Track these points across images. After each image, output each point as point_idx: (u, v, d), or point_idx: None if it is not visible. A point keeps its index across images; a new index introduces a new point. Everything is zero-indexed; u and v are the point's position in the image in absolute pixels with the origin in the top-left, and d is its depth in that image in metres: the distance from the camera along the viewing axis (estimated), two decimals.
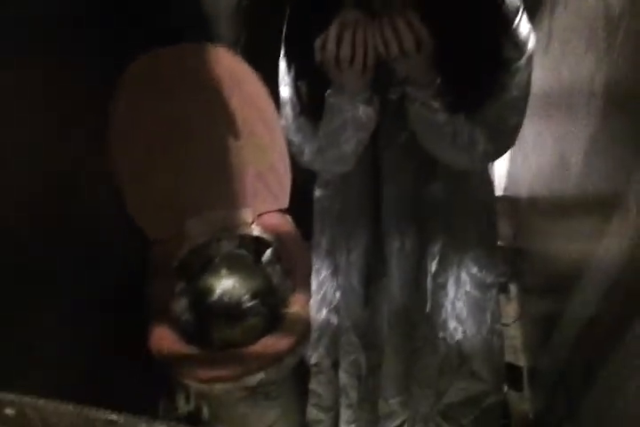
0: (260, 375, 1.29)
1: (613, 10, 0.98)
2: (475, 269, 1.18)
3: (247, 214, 1.60)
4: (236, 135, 1.54)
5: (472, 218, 1.14)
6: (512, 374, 1.67)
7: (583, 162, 1.14)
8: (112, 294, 1.43)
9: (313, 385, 1.42)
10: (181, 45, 1.45)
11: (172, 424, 0.89)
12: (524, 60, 0.91)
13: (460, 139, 0.92)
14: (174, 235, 1.57)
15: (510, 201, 1.96)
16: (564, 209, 1.31)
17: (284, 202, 1.60)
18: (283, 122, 1.07)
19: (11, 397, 0.91)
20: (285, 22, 1.00)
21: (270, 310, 1.52)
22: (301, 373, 1.45)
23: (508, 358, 1.67)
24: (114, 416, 0.87)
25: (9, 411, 0.95)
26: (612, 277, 0.96)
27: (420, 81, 0.86)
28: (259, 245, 1.63)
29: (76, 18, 1.28)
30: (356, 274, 1.23)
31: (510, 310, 1.80)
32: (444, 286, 1.21)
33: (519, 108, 0.94)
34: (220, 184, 1.58)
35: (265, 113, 1.52)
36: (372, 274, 1.23)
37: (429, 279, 1.20)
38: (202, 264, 1.61)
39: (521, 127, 0.96)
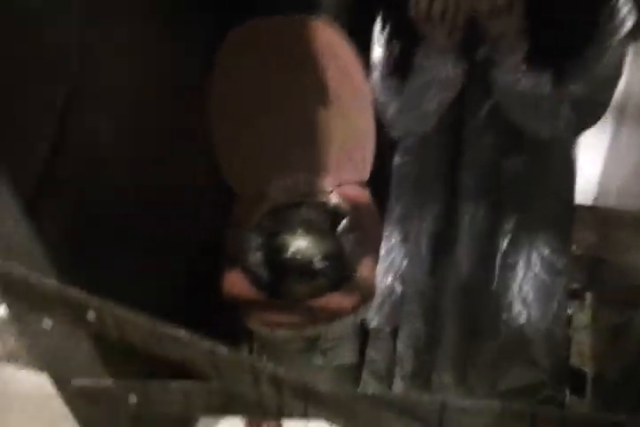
0: (321, 328, 1.34)
1: None
2: (546, 252, 1.18)
3: (328, 183, 1.66)
4: (327, 105, 1.60)
5: (550, 198, 1.15)
6: (576, 380, 1.65)
7: None
8: (197, 241, 1.53)
9: (370, 351, 1.46)
10: (280, 17, 1.53)
11: (232, 351, 0.96)
12: (619, 37, 0.91)
13: (543, 108, 0.93)
14: (257, 193, 1.66)
15: (598, 211, 1.93)
16: None
17: (365, 174, 1.65)
18: (372, 81, 1.12)
19: (95, 301, 1.01)
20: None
21: (339, 273, 1.57)
22: (361, 340, 1.50)
23: (575, 362, 1.66)
24: (181, 333, 0.95)
25: (91, 315, 1.05)
26: None
27: (508, 45, 0.88)
28: (335, 213, 1.68)
29: None
30: (426, 242, 1.26)
31: (583, 316, 1.78)
32: (513, 267, 1.22)
33: (609, 85, 0.94)
34: (307, 151, 1.65)
35: (357, 87, 1.57)
36: (442, 244, 1.25)
37: (499, 257, 1.21)
38: (280, 223, 1.69)
39: (609, 105, 0.96)
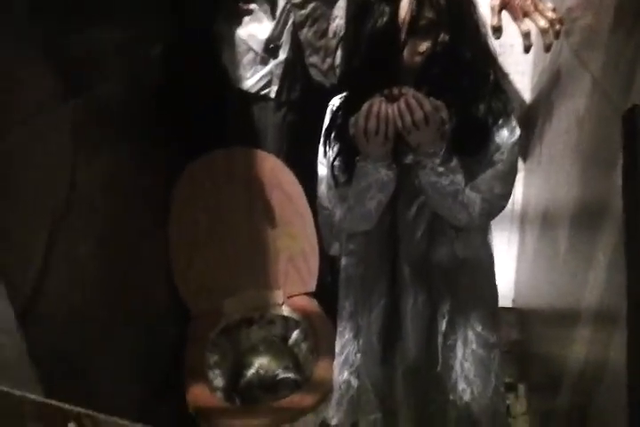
0: None
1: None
2: (479, 328, 1.36)
3: (279, 296, 1.81)
4: (273, 226, 1.81)
5: (475, 279, 1.35)
6: None
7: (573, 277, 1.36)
8: (157, 357, 1.61)
9: None
10: (233, 149, 1.80)
11: None
12: (509, 143, 1.19)
13: (460, 199, 1.17)
14: (213, 311, 1.77)
15: (518, 311, 2.15)
16: (561, 319, 1.51)
17: (312, 285, 1.82)
18: (319, 195, 1.34)
19: (76, 411, 1.07)
20: (328, 118, 1.31)
21: (297, 378, 1.67)
22: None
23: None
24: None
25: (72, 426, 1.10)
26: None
27: (428, 149, 1.13)
28: (287, 324, 1.81)
29: (148, 119, 1.63)
30: (376, 333, 1.40)
31: (519, 405, 1.92)
32: (453, 347, 1.38)
33: (506, 180, 1.20)
34: (257, 269, 1.82)
35: (299, 208, 1.81)
36: (390, 334, 1.40)
37: (440, 339, 1.37)
38: (235, 340, 1.79)
39: (510, 195, 1.22)
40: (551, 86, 1.61)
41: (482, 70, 1.20)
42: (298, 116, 1.83)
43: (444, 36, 1.13)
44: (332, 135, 1.28)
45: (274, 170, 1.80)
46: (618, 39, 0.99)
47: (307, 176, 1.83)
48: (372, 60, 1.16)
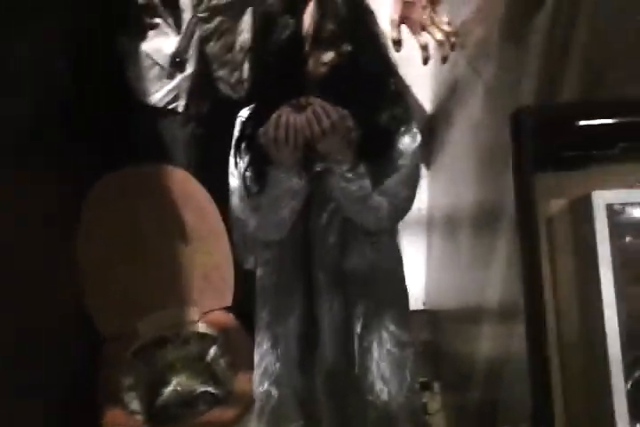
0: None
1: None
2: (392, 327, 1.40)
3: (194, 313, 1.78)
4: (186, 242, 1.79)
5: (387, 282, 1.39)
6: None
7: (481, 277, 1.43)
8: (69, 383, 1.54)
9: None
10: (142, 165, 1.76)
11: None
12: (412, 148, 1.25)
13: (368, 203, 1.21)
14: (127, 332, 1.72)
15: (429, 313, 2.22)
16: (467, 318, 1.58)
17: (228, 300, 1.80)
18: (232, 207, 1.34)
19: None
20: (238, 129, 1.32)
21: (216, 393, 1.65)
22: None
23: None
24: None
25: None
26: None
27: (336, 156, 1.17)
28: (204, 341, 1.79)
29: (51, 136, 1.58)
30: (294, 341, 1.41)
31: (435, 403, 1.99)
32: (369, 349, 1.41)
33: (410, 184, 1.26)
34: (172, 286, 1.78)
35: (212, 222, 1.79)
36: (308, 341, 1.42)
37: (356, 342, 1.40)
38: (150, 361, 1.75)
39: (414, 199, 1.27)
40: (449, 96, 1.70)
41: (383, 80, 1.26)
42: (206, 129, 1.82)
43: (346, 47, 1.18)
44: (243, 146, 1.29)
45: (185, 185, 1.78)
46: (506, 50, 1.06)
47: (217, 190, 1.83)
48: (278, 71, 1.20)
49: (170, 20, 1.69)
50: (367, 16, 1.24)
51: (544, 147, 0.69)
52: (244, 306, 1.81)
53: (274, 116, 1.14)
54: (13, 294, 1.33)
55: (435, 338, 2.09)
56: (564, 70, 0.81)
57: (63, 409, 1.52)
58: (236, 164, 1.31)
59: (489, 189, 1.28)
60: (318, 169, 1.22)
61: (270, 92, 1.23)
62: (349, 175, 1.18)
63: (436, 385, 2.03)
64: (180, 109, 1.77)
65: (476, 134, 1.37)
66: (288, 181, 1.19)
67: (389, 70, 1.27)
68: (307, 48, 1.17)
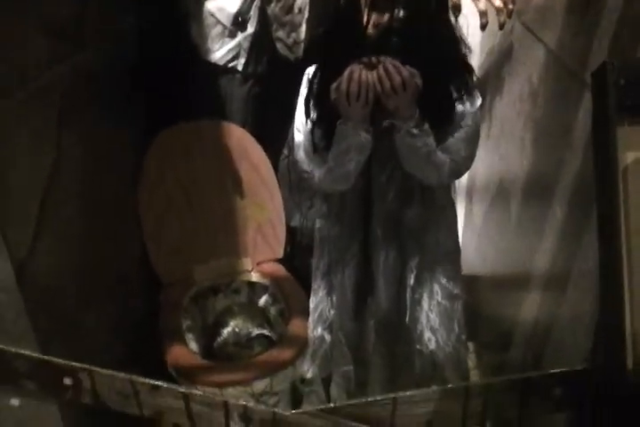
0: (266, 381, 1.49)
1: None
2: (444, 280, 1.48)
3: (247, 263, 1.88)
4: (241, 195, 1.88)
5: (440, 236, 1.47)
6: None
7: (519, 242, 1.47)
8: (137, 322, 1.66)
9: (306, 405, 1.62)
10: (201, 121, 1.84)
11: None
12: (472, 111, 1.31)
13: (432, 159, 1.28)
14: (183, 278, 1.83)
15: (467, 276, 2.31)
16: (510, 283, 1.65)
17: (280, 252, 1.90)
18: (297, 160, 1.41)
19: (72, 365, 1.11)
20: (305, 86, 1.38)
21: (271, 337, 1.77)
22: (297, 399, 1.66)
23: None
24: (158, 383, 1.09)
25: (67, 380, 1.15)
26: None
27: (404, 113, 1.23)
28: (255, 290, 1.89)
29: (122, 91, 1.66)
30: (349, 289, 1.50)
31: (470, 362, 2.09)
32: (420, 300, 1.50)
33: (471, 143, 1.32)
34: (226, 236, 1.88)
35: (266, 177, 1.88)
36: (363, 289, 1.51)
37: (408, 293, 1.48)
38: (204, 307, 1.86)
39: (474, 157, 1.33)
40: (502, 62, 1.75)
41: (445, 45, 1.31)
42: (263, 88, 1.89)
43: (398, 12, 1.23)
44: (311, 102, 1.36)
45: (241, 141, 1.86)
46: (572, 16, 1.11)
47: (272, 147, 1.91)
48: (337, 32, 1.27)
49: None
50: None
51: (626, 101, 0.75)
52: (292, 259, 1.93)
53: (346, 71, 1.21)
54: (88, 239, 1.43)
55: (469, 300, 2.18)
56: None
57: (130, 346, 1.64)
58: (305, 119, 1.37)
59: (546, 158, 1.33)
60: (385, 125, 1.29)
61: (329, 52, 1.30)
62: (415, 132, 1.25)
63: (471, 345, 2.12)
64: (240, 68, 1.84)
65: (533, 99, 1.42)
66: (356, 135, 1.26)
67: (450, 36, 1.32)
68: (363, 10, 1.22)
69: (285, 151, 1.97)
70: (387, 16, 1.23)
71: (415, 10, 1.24)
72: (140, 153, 1.78)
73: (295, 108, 1.41)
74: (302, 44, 1.82)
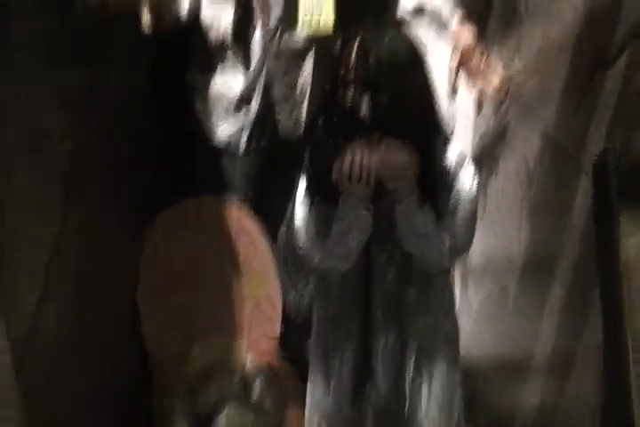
0: None
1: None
2: (444, 366, 1.42)
3: (242, 345, 1.84)
4: (239, 272, 1.86)
5: (439, 319, 1.43)
6: None
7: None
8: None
9: None
10: (202, 198, 1.85)
11: None
12: (469, 191, 1.31)
13: (432, 238, 1.27)
14: (175, 360, 1.78)
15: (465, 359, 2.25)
16: (510, 367, 1.61)
17: (277, 330, 1.86)
18: (296, 236, 1.40)
19: None
20: (307, 163, 1.39)
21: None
22: None
23: None
24: None
25: None
26: None
27: (404, 192, 1.23)
28: (251, 374, 1.83)
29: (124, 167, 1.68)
30: (347, 375, 1.44)
31: None
32: (419, 388, 1.43)
33: (468, 222, 1.31)
34: (222, 316, 1.84)
35: (264, 255, 1.87)
36: (361, 376, 1.45)
37: (408, 379, 1.43)
38: (205, 394, 1.80)
39: (474, 235, 1.33)
40: (496, 142, 1.77)
41: (433, 122, 1.33)
42: (264, 164, 1.91)
43: (391, 90, 1.25)
44: (313, 180, 1.36)
45: (240, 217, 1.87)
46: (571, 97, 1.14)
47: (270, 223, 1.91)
48: (332, 111, 1.29)
49: (240, 58, 1.81)
50: (415, 62, 1.31)
51: (627, 188, 0.76)
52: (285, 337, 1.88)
53: (348, 151, 1.22)
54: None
55: (470, 385, 2.12)
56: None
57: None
58: (306, 197, 1.37)
59: (543, 239, 1.33)
60: (386, 203, 1.29)
61: (327, 131, 1.32)
62: (416, 210, 1.24)
63: None
64: (242, 144, 1.87)
65: (530, 181, 1.43)
66: (358, 213, 1.26)
67: (437, 114, 1.34)
68: (354, 89, 1.25)
69: (283, 227, 1.97)
70: (379, 95, 1.26)
71: (406, 90, 1.26)
72: (142, 228, 1.78)
73: (294, 184, 1.41)
74: (303, 123, 1.85)
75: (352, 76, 1.24)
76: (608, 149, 0.75)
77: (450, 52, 1.59)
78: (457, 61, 1.56)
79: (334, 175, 1.24)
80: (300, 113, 1.86)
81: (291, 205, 1.42)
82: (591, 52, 1.04)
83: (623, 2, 0.87)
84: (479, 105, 1.57)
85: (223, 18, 1.78)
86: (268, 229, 1.88)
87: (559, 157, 1.22)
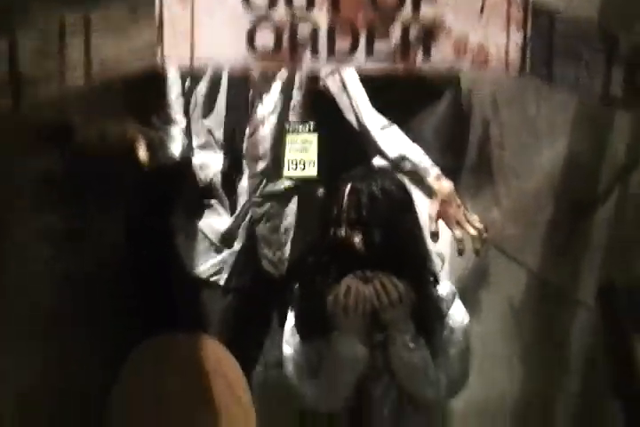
0: None
1: None
2: None
3: None
4: (215, 415, 1.75)
5: None
6: None
7: None
8: None
9: None
10: (176, 334, 1.79)
11: None
12: (463, 328, 1.33)
13: (428, 375, 1.25)
14: None
15: None
16: None
17: None
18: (287, 374, 1.36)
19: None
20: (295, 300, 1.40)
21: None
22: None
23: None
24: None
25: None
26: None
27: (400, 326, 1.24)
28: None
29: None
30: None
31: None
32: None
33: (463, 358, 1.32)
34: None
35: (242, 397, 1.77)
36: None
37: None
38: None
39: (469, 373, 1.32)
40: (478, 284, 1.82)
41: (423, 258, 1.39)
42: (243, 302, 1.89)
43: (380, 230, 1.31)
44: (301, 315, 1.36)
45: (217, 356, 1.78)
46: (557, 238, 1.21)
47: (246, 360, 1.84)
48: (319, 250, 1.37)
49: (225, 202, 1.87)
50: (405, 199, 1.40)
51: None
52: None
53: (342, 285, 1.24)
54: None
55: None
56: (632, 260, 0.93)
57: None
58: (296, 333, 1.36)
59: (537, 380, 1.32)
60: (379, 339, 1.29)
61: (316, 268, 1.35)
62: (412, 345, 1.24)
63: None
64: (222, 282, 1.86)
65: (517, 322, 1.45)
66: (351, 348, 1.25)
67: (428, 253, 1.41)
68: (347, 227, 1.31)
69: (259, 367, 1.91)
70: (368, 235, 1.32)
71: (394, 232, 1.33)
72: (117, 364, 1.69)
73: (272, 321, 1.42)
74: (286, 262, 1.88)
75: (344, 215, 1.31)
76: (611, 285, 0.79)
77: (428, 201, 1.67)
78: (436, 211, 1.64)
79: (329, 308, 1.25)
80: (283, 254, 1.89)
81: (268, 344, 1.40)
82: (576, 193, 1.13)
83: (609, 140, 0.95)
84: (460, 250, 1.62)
85: (212, 164, 1.86)
86: (245, 367, 1.82)
87: (548, 292, 1.26)
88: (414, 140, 1.73)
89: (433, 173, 1.64)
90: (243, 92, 1.80)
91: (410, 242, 1.36)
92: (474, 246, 1.62)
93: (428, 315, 1.31)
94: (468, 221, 1.63)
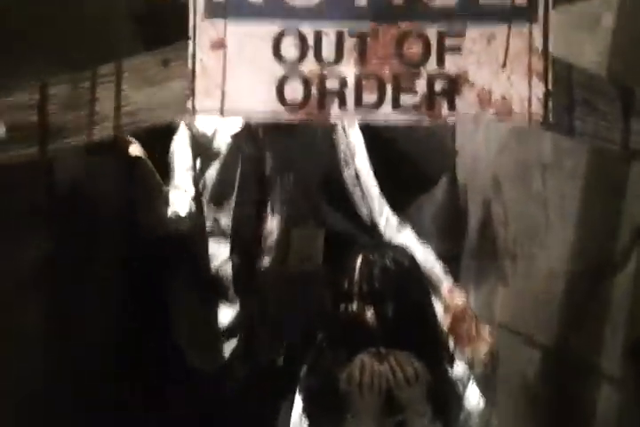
0: None
1: None
2: None
3: None
4: None
5: None
6: None
7: None
8: None
9: None
10: None
11: None
12: (479, 409, 1.26)
13: None
14: None
15: None
16: None
17: None
18: None
19: None
20: (302, 381, 1.32)
21: None
22: None
23: None
24: None
25: None
26: None
27: (417, 408, 1.17)
28: None
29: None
30: None
31: None
32: None
33: None
34: None
35: None
36: None
37: None
38: None
39: None
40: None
41: (436, 336, 1.33)
42: (244, 390, 1.79)
43: (397, 303, 1.27)
44: (311, 396, 1.28)
45: None
46: (573, 306, 1.17)
47: None
48: (335, 326, 1.29)
49: (232, 293, 1.79)
50: (417, 274, 1.36)
51: None
52: None
53: (357, 362, 1.18)
54: None
55: None
56: None
57: None
58: (302, 418, 1.28)
59: None
60: (396, 421, 1.21)
61: (326, 346, 1.30)
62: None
63: None
64: (224, 372, 1.77)
65: (532, 401, 1.38)
66: None
67: (441, 331, 1.36)
68: (358, 302, 1.27)
69: None
70: (380, 307, 1.27)
71: (406, 307, 1.29)
72: None
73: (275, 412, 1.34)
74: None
75: (356, 288, 1.28)
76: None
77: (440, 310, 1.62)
78: (448, 324, 1.58)
79: (342, 386, 1.18)
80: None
81: None
82: (592, 259, 1.11)
83: (624, 200, 0.94)
84: (470, 366, 1.55)
85: (220, 253, 1.82)
86: None
87: (565, 368, 1.20)
88: (412, 228, 1.72)
89: (446, 284, 1.59)
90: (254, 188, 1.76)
91: (423, 317, 1.32)
92: (485, 362, 1.56)
93: (445, 396, 1.24)
94: (480, 337, 1.56)
